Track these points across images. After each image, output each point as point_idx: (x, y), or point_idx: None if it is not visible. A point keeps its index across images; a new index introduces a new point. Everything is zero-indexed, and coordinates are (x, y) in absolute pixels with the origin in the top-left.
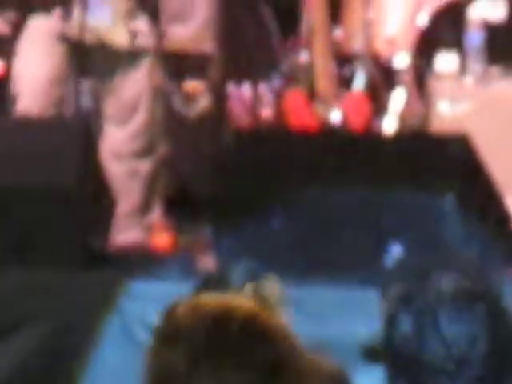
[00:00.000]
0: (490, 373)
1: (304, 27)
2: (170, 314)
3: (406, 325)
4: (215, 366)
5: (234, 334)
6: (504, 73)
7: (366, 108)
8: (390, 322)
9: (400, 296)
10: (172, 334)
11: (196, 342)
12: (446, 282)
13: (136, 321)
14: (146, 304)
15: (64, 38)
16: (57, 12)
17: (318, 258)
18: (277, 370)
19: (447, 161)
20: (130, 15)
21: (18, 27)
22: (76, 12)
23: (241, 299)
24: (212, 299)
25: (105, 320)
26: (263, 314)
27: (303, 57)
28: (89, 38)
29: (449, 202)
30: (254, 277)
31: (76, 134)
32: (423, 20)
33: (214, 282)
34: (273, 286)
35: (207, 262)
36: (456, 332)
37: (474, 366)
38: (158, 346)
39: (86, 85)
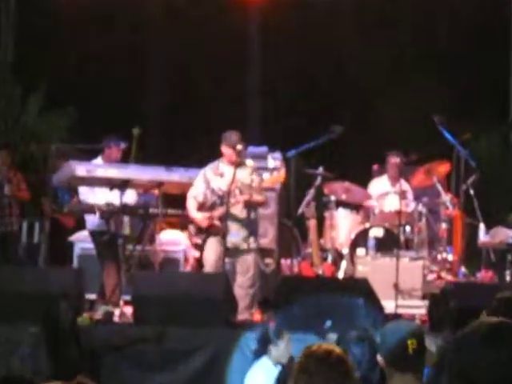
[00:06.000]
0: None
1: (309, 240)
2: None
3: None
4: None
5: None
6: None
7: (333, 268)
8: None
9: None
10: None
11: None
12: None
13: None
14: (244, 345)
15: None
16: None
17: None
18: None
19: (360, 285)
20: (247, 236)
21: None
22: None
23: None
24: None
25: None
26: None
27: (309, 250)
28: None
29: (360, 302)
30: (279, 333)
31: (222, 277)
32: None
33: (263, 334)
34: (286, 339)
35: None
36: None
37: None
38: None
39: (227, 265)
